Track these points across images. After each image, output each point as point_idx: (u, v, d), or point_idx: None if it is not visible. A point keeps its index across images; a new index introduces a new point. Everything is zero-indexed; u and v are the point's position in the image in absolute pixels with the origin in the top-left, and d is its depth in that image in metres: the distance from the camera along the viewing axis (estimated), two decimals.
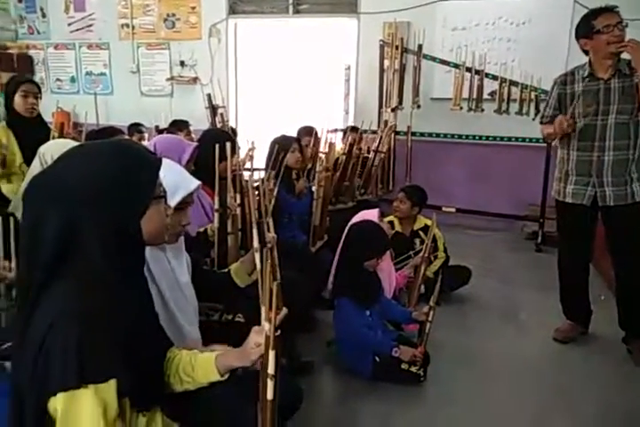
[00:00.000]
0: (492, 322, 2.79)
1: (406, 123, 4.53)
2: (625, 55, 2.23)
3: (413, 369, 2.12)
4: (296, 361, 2.13)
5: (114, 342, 0.85)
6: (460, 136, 4.64)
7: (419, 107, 4.35)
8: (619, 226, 2.36)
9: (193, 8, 5.31)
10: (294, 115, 5.05)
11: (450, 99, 4.22)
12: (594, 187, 2.34)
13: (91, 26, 5.67)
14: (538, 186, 4.05)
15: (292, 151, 2.87)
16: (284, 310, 1.10)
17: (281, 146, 2.77)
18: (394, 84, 4.38)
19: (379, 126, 4.40)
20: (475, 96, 4.14)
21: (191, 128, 4.05)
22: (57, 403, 0.80)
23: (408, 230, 3.12)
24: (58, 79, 5.96)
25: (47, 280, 0.87)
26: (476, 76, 4.12)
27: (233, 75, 5.44)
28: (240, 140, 2.77)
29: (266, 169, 2.67)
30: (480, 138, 4.59)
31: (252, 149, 2.59)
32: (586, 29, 2.25)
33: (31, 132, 2.69)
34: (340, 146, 3.79)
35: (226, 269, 1.71)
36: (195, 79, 5.38)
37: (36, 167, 1.98)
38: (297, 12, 5.09)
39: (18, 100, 2.70)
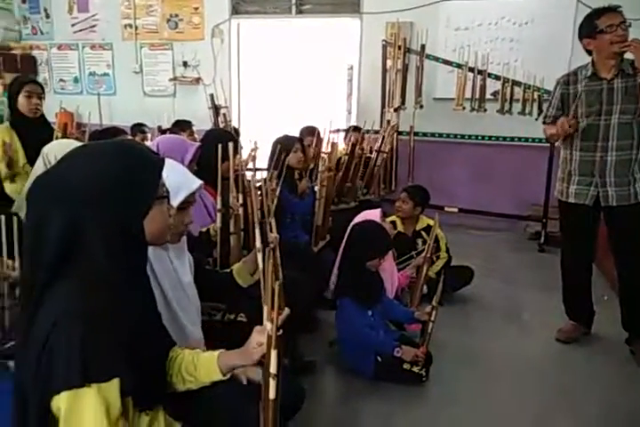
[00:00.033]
0: (494, 322, 2.79)
1: (409, 123, 4.53)
2: (628, 55, 2.22)
3: (415, 369, 2.12)
4: (298, 361, 2.13)
5: (117, 341, 0.86)
6: (462, 136, 4.63)
7: (421, 107, 4.35)
8: (621, 226, 2.36)
9: (196, 8, 5.32)
10: (297, 115, 5.05)
11: (452, 99, 4.22)
12: (596, 187, 2.34)
13: (94, 26, 5.69)
14: (541, 186, 4.05)
15: (295, 151, 2.87)
16: (287, 310, 1.11)
17: (283, 146, 2.78)
18: (396, 84, 4.38)
19: (381, 126, 4.40)
20: (477, 96, 4.13)
21: (194, 128, 4.06)
22: (60, 402, 0.81)
23: (410, 230, 3.12)
24: (61, 80, 5.98)
25: (51, 280, 0.87)
26: (479, 76, 4.12)
27: (235, 75, 5.45)
28: (243, 140, 2.78)
29: (268, 169, 2.67)
30: (483, 138, 4.58)
31: (254, 149, 2.60)
32: (589, 29, 2.25)
33: (34, 132, 2.70)
34: (342, 146, 3.79)
35: (228, 269, 1.71)
36: (197, 79, 5.39)
37: (39, 167, 1.99)
38: (300, 12, 5.09)
39: (21, 100, 2.72)
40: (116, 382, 0.83)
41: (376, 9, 4.75)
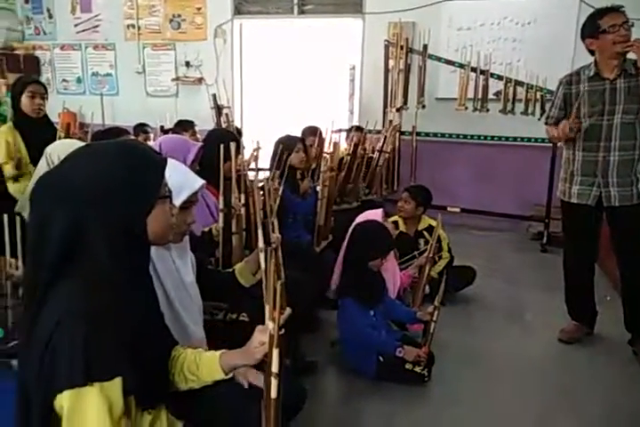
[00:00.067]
0: (496, 322, 2.79)
1: (411, 123, 4.53)
2: (631, 55, 2.21)
3: (417, 369, 2.12)
4: (300, 361, 2.13)
5: (120, 340, 0.86)
6: (465, 136, 4.62)
7: (424, 107, 4.35)
8: (624, 226, 2.36)
9: (198, 9, 5.32)
10: (299, 115, 5.06)
11: (455, 99, 4.21)
12: (599, 187, 2.34)
13: (97, 26, 5.70)
14: (543, 186, 4.04)
15: (297, 151, 2.87)
16: (288, 310, 1.11)
17: (285, 146, 2.78)
18: (399, 84, 4.38)
19: (383, 126, 4.39)
20: (480, 96, 4.13)
21: (196, 128, 4.06)
22: (63, 400, 0.81)
23: (412, 230, 3.12)
24: (64, 80, 5.99)
25: (54, 280, 0.87)
26: (482, 76, 4.11)
27: (238, 75, 5.45)
28: (245, 140, 2.79)
29: (270, 169, 2.67)
30: (485, 138, 4.57)
31: (256, 149, 2.60)
32: (592, 29, 2.25)
33: (38, 132, 2.71)
34: (344, 146, 3.79)
35: (230, 269, 1.71)
36: (200, 80, 5.40)
37: (42, 167, 2.00)
38: (302, 12, 5.09)
39: (25, 100, 2.73)
40: (118, 381, 0.84)
41: (378, 9, 4.75)
